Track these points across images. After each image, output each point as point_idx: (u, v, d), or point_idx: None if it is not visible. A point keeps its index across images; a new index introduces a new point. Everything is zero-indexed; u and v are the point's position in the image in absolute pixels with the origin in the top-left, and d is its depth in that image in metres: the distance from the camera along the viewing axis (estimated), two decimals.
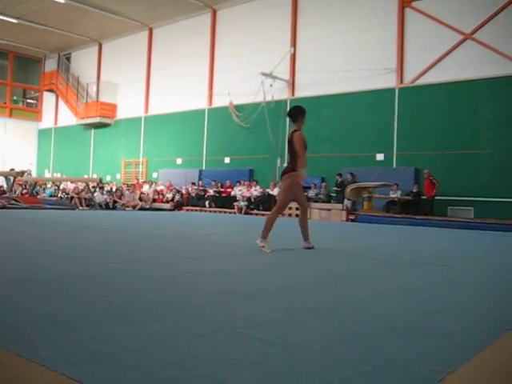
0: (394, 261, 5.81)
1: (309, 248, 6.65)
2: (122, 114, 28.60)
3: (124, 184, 25.04)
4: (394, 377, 1.83)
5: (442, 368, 1.92)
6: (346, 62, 19.70)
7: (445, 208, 16.90)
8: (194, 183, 22.97)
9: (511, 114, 16.06)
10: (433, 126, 17.55)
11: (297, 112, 6.97)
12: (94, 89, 29.46)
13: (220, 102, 23.61)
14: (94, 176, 28.10)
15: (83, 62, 31.09)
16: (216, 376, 1.78)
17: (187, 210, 21.64)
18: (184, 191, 22.74)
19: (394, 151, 18.46)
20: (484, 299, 3.54)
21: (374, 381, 1.79)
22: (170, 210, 21.81)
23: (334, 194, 18.82)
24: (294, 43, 21.44)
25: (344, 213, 17.11)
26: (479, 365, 2.01)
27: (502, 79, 16.27)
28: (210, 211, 20.96)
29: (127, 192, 22.71)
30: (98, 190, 22.41)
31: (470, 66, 17.01)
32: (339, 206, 17.62)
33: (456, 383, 1.79)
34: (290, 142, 6.77)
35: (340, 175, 18.82)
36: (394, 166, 18.51)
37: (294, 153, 6.70)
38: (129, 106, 27.98)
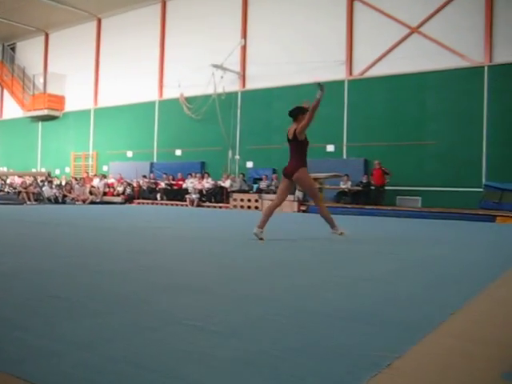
0: (344, 250, 5.93)
1: (340, 234, 7.03)
2: (70, 106, 28.02)
3: (73, 178, 24.61)
4: (343, 363, 1.87)
5: (390, 353, 1.97)
6: (296, 54, 19.84)
7: (393, 198, 17.29)
8: (145, 176, 22.75)
9: (456, 106, 16.52)
10: (381, 118, 17.88)
11: (297, 111, 7.18)
12: (41, 80, 28.74)
13: (171, 93, 23.43)
14: (43, 170, 27.52)
15: (29, 53, 30.27)
16: (167, 369, 1.78)
17: (138, 203, 21.45)
18: (135, 184, 22.51)
19: (344, 142, 18.74)
20: (429, 286, 3.65)
21: (323, 368, 1.83)
22: (121, 203, 21.57)
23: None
24: (244, 35, 21.44)
25: (295, 204, 17.27)
26: (425, 349, 2.09)
27: (448, 72, 16.71)
28: (162, 204, 20.82)
29: (77, 186, 22.32)
30: (46, 184, 21.96)
31: (416, 58, 17.39)
32: (290, 197, 17.77)
33: (403, 367, 1.84)
34: (293, 136, 6.88)
35: None
36: (344, 157, 18.78)
37: (298, 147, 6.88)
38: (78, 98, 27.43)
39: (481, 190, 15.64)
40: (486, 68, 16.21)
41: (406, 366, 1.86)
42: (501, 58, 16.06)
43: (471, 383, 1.71)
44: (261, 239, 6.64)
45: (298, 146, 6.89)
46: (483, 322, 2.60)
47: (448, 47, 16.81)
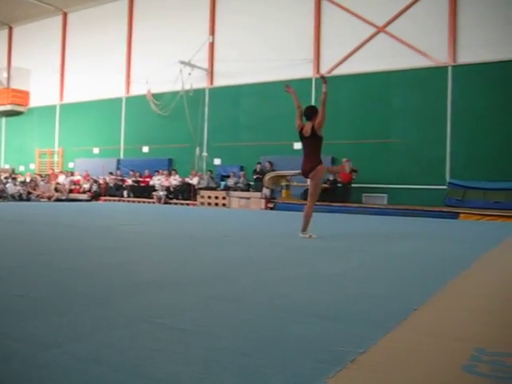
0: (311, 247, 5.97)
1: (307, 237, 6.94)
2: (35, 101, 27.52)
3: (38, 174, 24.22)
4: (308, 359, 1.90)
5: (354, 349, 2.01)
6: (264, 51, 19.87)
7: (360, 195, 17.47)
8: (111, 173, 22.52)
9: (421, 105, 16.77)
10: (348, 116, 18.02)
11: (311, 110, 7.45)
12: (5, 75, 28.15)
13: (138, 90, 23.23)
14: (6, 166, 27.01)
15: None
16: (134, 368, 1.78)
17: (105, 201, 21.22)
18: (101, 181, 22.26)
19: None
20: (394, 282, 3.72)
21: (289, 364, 1.85)
22: (87, 200, 21.30)
23: (252, 183, 19.00)
24: (212, 32, 21.38)
25: (263, 201, 17.32)
26: (389, 344, 2.13)
27: (413, 71, 16.94)
28: (129, 201, 20.65)
29: (42, 183, 21.97)
30: (10, 180, 21.56)
31: (383, 57, 17.59)
32: (258, 194, 17.82)
33: (367, 362, 1.88)
34: (311, 133, 7.14)
35: (259, 163, 19.02)
36: None
37: (316, 144, 7.18)
38: (43, 94, 26.95)
39: (445, 187, 15.92)
40: (449, 68, 16.48)
41: (369, 360, 1.90)
42: (464, 58, 16.36)
43: (433, 376, 1.75)
44: (310, 236, 6.89)
45: (317, 142, 7.19)
46: (445, 316, 2.66)
47: (413, 47, 17.04)
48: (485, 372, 1.78)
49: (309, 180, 7.42)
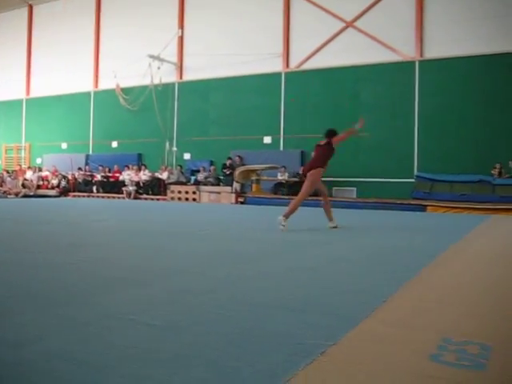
0: (280, 240, 6.01)
1: (334, 227, 7.89)
2: (0, 95, 27.02)
3: (5, 170, 23.79)
4: (279, 352, 1.92)
5: (324, 341, 2.04)
6: (234, 45, 19.82)
7: (330, 189, 17.59)
8: (80, 168, 22.26)
9: (389, 99, 16.95)
10: (318, 110, 18.12)
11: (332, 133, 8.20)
12: None
13: (107, 84, 22.97)
14: None
15: None
16: (105, 365, 1.78)
17: (74, 196, 20.97)
18: (70, 177, 21.98)
19: (281, 134, 18.90)
20: (364, 274, 3.76)
21: (260, 357, 1.87)
22: (55, 196, 21.03)
23: (223, 177, 18.99)
24: (181, 26, 21.25)
25: (233, 195, 17.32)
26: (357, 336, 2.16)
27: (381, 66, 17.10)
28: (98, 197, 20.45)
29: (9, 179, 21.61)
30: None
31: (351, 52, 17.71)
32: (228, 188, 17.81)
33: (336, 355, 1.90)
34: (327, 147, 8.06)
35: (230, 158, 19.00)
36: (281, 148, 18.95)
37: (327, 152, 8.06)
38: (8, 88, 26.46)
39: (413, 180, 16.13)
40: (416, 63, 16.69)
41: (339, 353, 1.93)
42: (430, 53, 16.59)
43: (401, 366, 1.79)
44: (335, 227, 7.88)
45: (328, 151, 8.06)
46: (413, 307, 2.71)
47: (381, 42, 17.20)
48: (450, 361, 1.83)
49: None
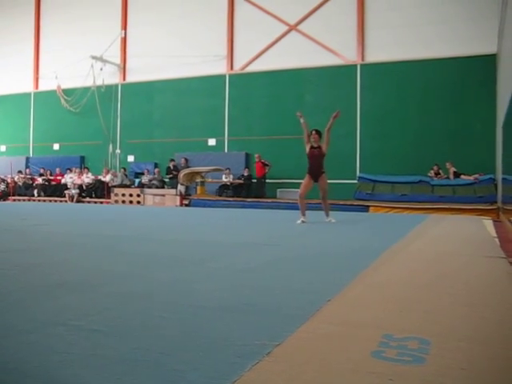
0: (224, 243, 6.01)
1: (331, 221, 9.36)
2: None
3: None
4: (224, 355, 1.92)
5: (270, 341, 2.05)
6: (178, 47, 19.74)
7: (274, 190, 17.73)
8: (20, 171, 21.66)
9: (332, 101, 17.18)
10: (262, 112, 18.25)
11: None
12: None
13: (47, 85, 22.47)
14: None
15: None
16: (43, 373, 1.73)
17: (14, 200, 20.40)
18: (10, 180, 21.38)
19: (226, 136, 18.93)
20: (307, 274, 3.81)
21: (205, 360, 1.86)
22: None
23: (167, 180, 18.86)
24: (124, 27, 21.00)
25: (178, 198, 17.22)
26: (303, 335, 2.19)
27: (324, 69, 17.39)
28: (40, 200, 19.96)
29: None
30: None
31: (295, 55, 17.92)
32: (173, 191, 17.70)
33: (282, 355, 1.91)
34: (320, 149, 9.46)
35: (173, 160, 18.89)
36: (226, 150, 18.98)
37: (322, 158, 9.50)
38: None
39: (355, 181, 16.43)
40: (358, 66, 17.04)
41: (284, 353, 1.95)
42: (371, 57, 16.97)
43: (344, 364, 1.82)
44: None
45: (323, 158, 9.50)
46: (356, 306, 2.76)
47: (324, 45, 17.48)
48: (391, 357, 1.88)
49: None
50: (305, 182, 9.58)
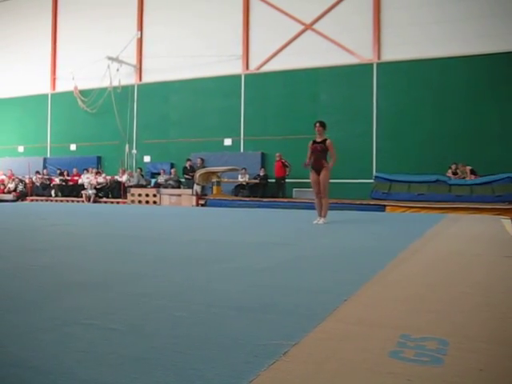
0: (240, 243, 6.01)
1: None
2: None
3: None
4: (241, 354, 1.92)
5: (286, 341, 2.05)
6: (193, 47, 19.78)
7: (290, 190, 17.70)
8: (38, 172, 21.86)
9: (347, 100, 17.17)
10: (277, 112, 18.23)
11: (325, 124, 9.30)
12: None
13: (64, 86, 22.64)
14: None
15: None
16: (64, 371, 1.74)
17: (32, 201, 20.58)
18: (27, 180, 21.58)
19: (242, 136, 18.94)
20: (323, 274, 3.79)
21: (222, 359, 1.86)
22: (12, 200, 20.60)
23: (183, 180, 18.92)
24: (140, 27, 21.09)
25: (194, 198, 17.26)
26: (319, 335, 2.18)
27: (339, 68, 17.32)
28: (57, 201, 20.12)
29: None
30: None
31: (310, 54, 17.88)
32: (189, 191, 17.74)
33: (299, 354, 1.91)
34: (324, 145, 9.10)
35: (189, 160, 18.94)
36: (242, 150, 18.99)
37: (325, 153, 9.19)
38: None
39: (372, 181, 16.36)
40: (374, 65, 16.96)
41: (301, 352, 1.94)
42: (388, 55, 16.88)
43: (362, 364, 1.81)
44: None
45: (326, 151, 9.23)
46: (373, 305, 2.75)
47: (339, 44, 17.42)
48: (409, 357, 1.87)
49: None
50: (311, 179, 9.38)
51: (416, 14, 16.59)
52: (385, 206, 14.41)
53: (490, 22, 15.79)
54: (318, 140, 9.12)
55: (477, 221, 10.31)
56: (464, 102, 15.99)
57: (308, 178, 17.21)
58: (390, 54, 16.84)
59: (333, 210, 13.89)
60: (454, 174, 15.49)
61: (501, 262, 4.52)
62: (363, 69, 17.09)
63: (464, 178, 15.31)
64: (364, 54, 17.20)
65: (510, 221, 10.63)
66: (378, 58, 16.99)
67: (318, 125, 9.16)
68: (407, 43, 16.57)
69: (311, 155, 9.20)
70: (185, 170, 18.75)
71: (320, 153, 9.13)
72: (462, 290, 3.22)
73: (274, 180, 17.75)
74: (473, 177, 15.25)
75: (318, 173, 9.17)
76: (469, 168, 15.35)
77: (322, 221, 9.04)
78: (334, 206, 14.63)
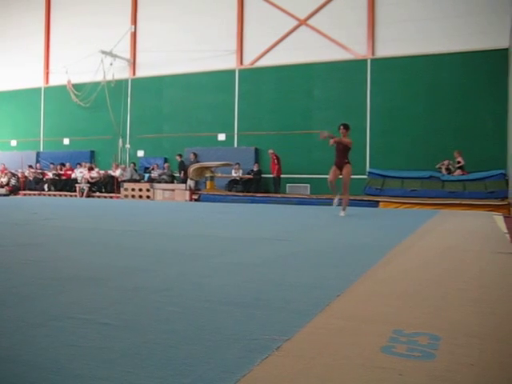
0: (234, 237, 6.01)
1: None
2: None
3: None
4: (234, 349, 1.92)
5: (279, 336, 2.05)
6: (187, 42, 19.73)
7: (284, 185, 17.71)
8: (31, 166, 21.77)
9: (341, 96, 17.18)
10: (271, 107, 18.22)
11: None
12: None
13: (57, 80, 22.54)
14: None
15: None
16: (55, 365, 1.74)
17: (24, 195, 20.51)
18: (20, 175, 21.49)
19: (235, 131, 18.92)
20: (316, 270, 3.80)
21: (215, 354, 1.87)
22: (5, 195, 20.53)
23: (177, 174, 18.90)
24: (134, 22, 21.01)
25: (187, 193, 17.25)
26: (312, 330, 2.18)
27: (333, 64, 17.32)
28: (50, 195, 20.06)
29: None
30: None
31: (304, 50, 17.87)
32: (182, 186, 17.73)
33: (292, 349, 1.91)
34: (344, 144, 9.93)
35: (180, 155, 18.90)
36: (235, 145, 18.97)
37: (347, 152, 10.04)
38: None
39: (365, 177, 16.38)
40: (368, 61, 16.97)
41: (294, 347, 1.95)
42: (382, 51, 16.89)
43: (354, 359, 1.82)
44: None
45: (348, 150, 10.06)
46: (366, 301, 2.76)
47: (333, 40, 17.41)
48: (401, 352, 1.88)
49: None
50: (332, 170, 10.26)
51: (410, 10, 16.60)
52: (378, 201, 14.44)
53: (483, 19, 15.82)
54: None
55: (469, 217, 10.36)
56: (457, 99, 16.03)
57: (301, 174, 17.42)
58: (384, 50, 16.85)
59: (326, 206, 13.94)
60: (447, 170, 15.53)
61: (493, 258, 4.55)
62: (357, 65, 17.10)
63: (457, 164, 15.36)
64: (358, 49, 17.21)
65: (501, 217, 10.69)
66: (372, 53, 17.00)
67: (342, 127, 10.00)
68: (401, 39, 16.59)
69: (335, 152, 10.20)
70: (181, 165, 18.70)
71: (342, 152, 10.01)
72: (454, 285, 3.24)
73: (268, 176, 17.76)
74: (462, 162, 15.36)
75: (340, 168, 10.06)
76: (459, 159, 15.39)
77: (342, 213, 10.03)
78: (327, 202, 14.68)
